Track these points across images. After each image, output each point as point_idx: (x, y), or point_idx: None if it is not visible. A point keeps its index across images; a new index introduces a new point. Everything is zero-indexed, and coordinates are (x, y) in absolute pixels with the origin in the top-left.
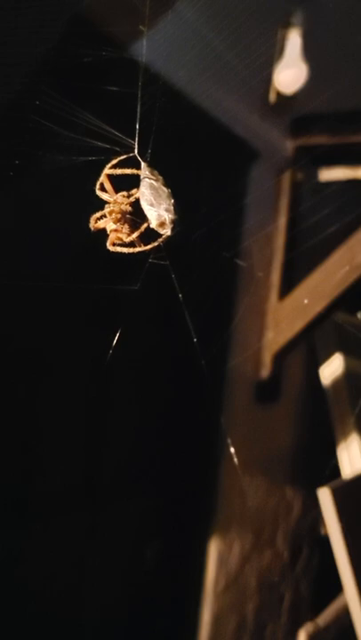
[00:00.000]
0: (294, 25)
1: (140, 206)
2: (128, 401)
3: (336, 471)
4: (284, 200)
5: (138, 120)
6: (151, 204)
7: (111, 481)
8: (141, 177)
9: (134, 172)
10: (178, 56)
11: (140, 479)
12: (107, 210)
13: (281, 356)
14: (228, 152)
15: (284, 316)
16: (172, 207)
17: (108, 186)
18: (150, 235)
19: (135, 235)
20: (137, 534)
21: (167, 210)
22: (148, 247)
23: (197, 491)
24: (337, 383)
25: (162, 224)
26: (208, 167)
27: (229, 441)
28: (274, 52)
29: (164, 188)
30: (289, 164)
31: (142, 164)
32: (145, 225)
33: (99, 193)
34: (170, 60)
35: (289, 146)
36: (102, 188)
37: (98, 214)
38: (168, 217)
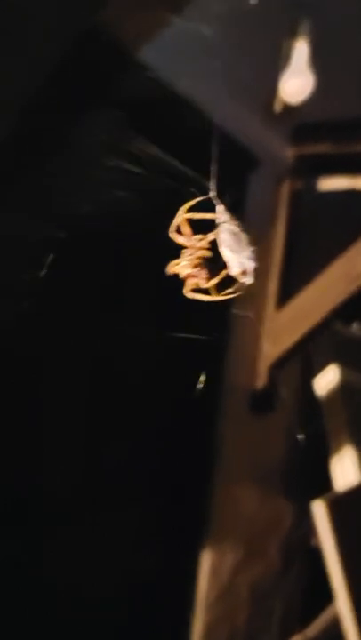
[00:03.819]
0: (302, 34)
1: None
2: (123, 410)
3: (329, 483)
4: (283, 209)
5: (214, 160)
6: (233, 251)
7: (104, 489)
8: (220, 222)
9: (213, 216)
10: (184, 62)
11: (134, 488)
12: (187, 255)
13: (277, 367)
14: (228, 159)
15: (281, 327)
16: (253, 255)
17: (186, 229)
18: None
19: (214, 281)
20: (130, 544)
21: (249, 258)
22: (228, 296)
23: (191, 500)
24: (332, 394)
25: (244, 272)
26: (207, 173)
27: (223, 450)
28: (280, 61)
29: (244, 235)
30: (289, 172)
31: (219, 207)
32: (225, 272)
33: (173, 236)
34: (176, 66)
35: (290, 154)
36: (178, 231)
37: (178, 260)
38: (250, 265)
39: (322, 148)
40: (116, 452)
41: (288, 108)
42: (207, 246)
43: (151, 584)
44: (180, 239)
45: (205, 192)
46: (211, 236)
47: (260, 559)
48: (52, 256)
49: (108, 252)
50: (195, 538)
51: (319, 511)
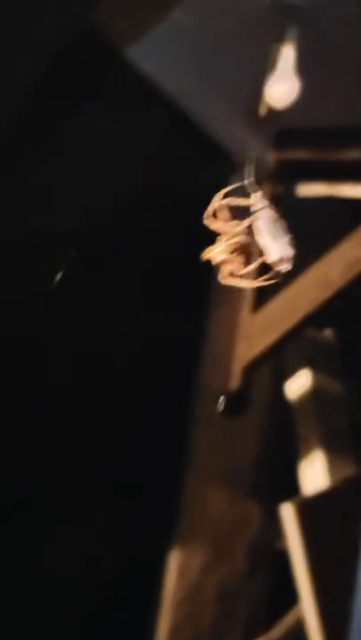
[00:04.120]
0: (289, 40)
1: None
2: (95, 408)
3: (297, 486)
4: None
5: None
6: (271, 238)
7: (73, 488)
8: (257, 208)
9: (250, 202)
10: (171, 62)
11: (104, 487)
12: (224, 240)
13: (250, 369)
14: (209, 160)
15: (256, 330)
16: (291, 242)
17: (224, 215)
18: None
19: (252, 267)
20: (98, 543)
21: (288, 244)
22: (265, 283)
23: (161, 500)
24: (303, 398)
25: (282, 259)
26: (188, 172)
27: (195, 451)
28: (267, 66)
29: (281, 221)
30: (269, 176)
31: (257, 193)
32: (262, 259)
33: (208, 222)
34: (163, 66)
35: (271, 159)
36: (213, 216)
37: (213, 246)
38: (289, 252)
39: (303, 154)
40: (85, 450)
41: (272, 113)
42: (245, 232)
43: (118, 583)
44: (215, 225)
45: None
46: (247, 222)
47: (227, 560)
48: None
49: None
50: (163, 538)
51: (288, 514)
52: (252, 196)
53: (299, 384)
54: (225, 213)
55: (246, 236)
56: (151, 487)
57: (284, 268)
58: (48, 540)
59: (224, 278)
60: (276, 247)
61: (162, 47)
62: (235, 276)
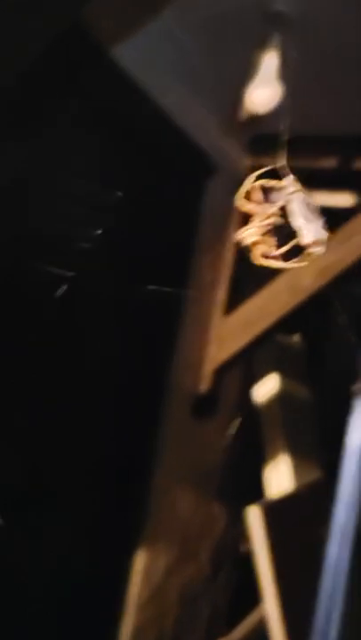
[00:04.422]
0: (271, 46)
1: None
2: (65, 409)
3: (262, 489)
4: (236, 217)
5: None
6: (307, 220)
7: (40, 488)
8: (292, 191)
9: (283, 185)
10: (155, 64)
11: (72, 487)
12: (257, 222)
13: (221, 372)
14: (187, 163)
15: (228, 333)
16: (324, 225)
17: (257, 196)
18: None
19: (285, 249)
20: (64, 543)
21: (321, 228)
22: (298, 265)
23: (128, 501)
24: (270, 402)
25: (316, 242)
26: (166, 175)
27: (164, 452)
28: (249, 71)
29: (315, 205)
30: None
31: (290, 177)
32: (296, 240)
33: (242, 203)
34: (148, 67)
35: (247, 164)
36: (247, 198)
37: (247, 226)
38: (324, 235)
39: (279, 160)
40: (53, 450)
41: (252, 118)
42: (279, 213)
43: (84, 584)
44: (248, 206)
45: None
46: (280, 204)
47: (191, 562)
48: None
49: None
50: (130, 539)
51: (253, 516)
52: (285, 179)
53: (266, 388)
54: (258, 195)
55: (279, 217)
56: (120, 488)
57: (318, 250)
58: (14, 540)
59: (257, 259)
60: (311, 229)
61: (148, 48)
62: (268, 257)
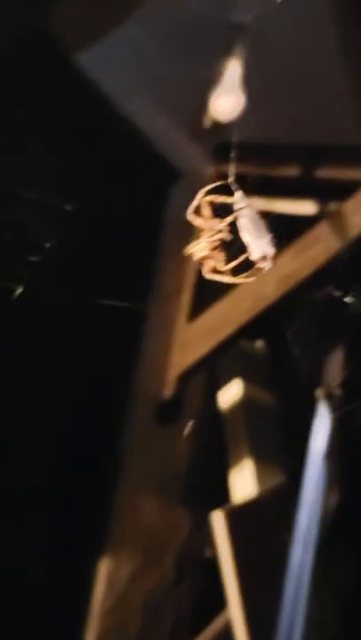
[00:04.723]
0: (235, 55)
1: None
2: (26, 413)
3: (227, 494)
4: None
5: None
6: (254, 236)
7: (2, 494)
8: (239, 207)
9: (232, 200)
10: (120, 70)
11: (35, 493)
12: (205, 237)
13: (185, 378)
14: (151, 169)
15: (192, 338)
16: (271, 241)
17: (206, 212)
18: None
19: (233, 264)
20: (27, 550)
21: (269, 243)
22: (246, 280)
23: (92, 507)
24: (234, 408)
25: (264, 257)
26: (129, 181)
27: (128, 458)
28: (213, 79)
29: (262, 221)
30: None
31: (238, 193)
32: (245, 256)
33: (191, 218)
34: (111, 74)
35: (211, 171)
36: (197, 213)
37: (197, 241)
38: (270, 251)
39: (242, 168)
40: (15, 455)
41: (216, 126)
42: (227, 229)
43: (47, 592)
44: (198, 221)
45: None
46: (229, 220)
47: (155, 568)
48: None
49: None
50: (94, 546)
51: (218, 521)
52: (235, 194)
53: (230, 394)
54: (207, 210)
55: (228, 233)
56: (83, 494)
57: (266, 265)
58: None
59: (207, 273)
60: (259, 245)
61: (111, 55)
62: (217, 271)
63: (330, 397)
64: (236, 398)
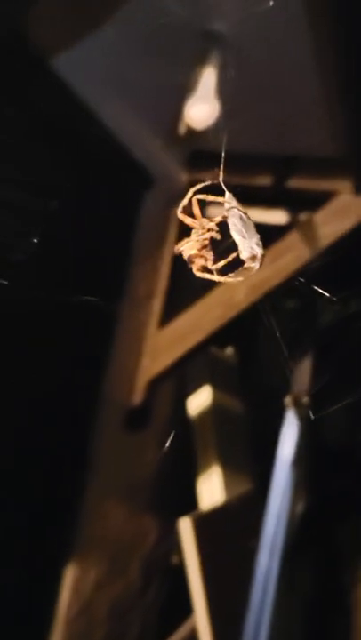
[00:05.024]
0: (210, 63)
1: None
2: None
3: (195, 501)
4: (172, 230)
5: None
6: (243, 236)
7: None
8: (229, 206)
9: (222, 200)
10: (96, 75)
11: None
12: (197, 235)
13: (155, 384)
14: (124, 174)
15: (162, 345)
16: (260, 242)
17: (196, 210)
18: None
19: (222, 264)
20: None
21: (258, 244)
22: (235, 279)
23: (59, 514)
24: (203, 415)
25: (253, 257)
26: (102, 186)
27: (96, 465)
28: (188, 86)
29: (251, 222)
30: (181, 196)
31: (228, 193)
32: (234, 255)
33: (182, 216)
34: (87, 78)
35: (184, 179)
36: (185, 212)
37: (187, 239)
38: (260, 251)
39: (215, 176)
40: None
41: (190, 134)
42: (216, 228)
43: (12, 597)
44: (188, 220)
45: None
46: (218, 219)
47: (121, 576)
48: None
49: None
50: (60, 552)
51: (185, 528)
52: (226, 194)
53: (199, 401)
54: (196, 209)
55: (217, 232)
56: (50, 500)
57: (254, 266)
58: None
59: (197, 271)
60: (247, 245)
61: (87, 59)
62: (205, 270)
63: (298, 405)
64: (204, 405)
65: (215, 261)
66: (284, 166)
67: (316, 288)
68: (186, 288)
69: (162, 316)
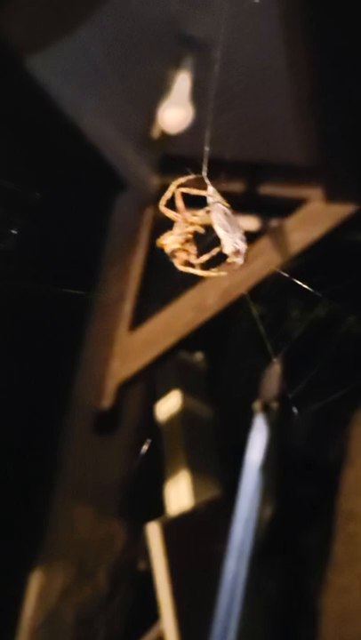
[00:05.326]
0: (184, 68)
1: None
2: None
3: (163, 506)
4: (144, 234)
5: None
6: (226, 231)
7: None
8: (212, 201)
9: (205, 194)
10: (69, 77)
11: None
12: (180, 229)
13: (124, 388)
14: (96, 177)
15: (133, 348)
16: (244, 237)
17: (180, 204)
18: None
19: (205, 258)
20: None
21: (241, 239)
22: (218, 274)
23: (25, 520)
24: (172, 420)
25: (237, 252)
26: (73, 188)
27: (64, 469)
28: (162, 91)
29: (235, 217)
30: (153, 200)
31: (211, 187)
32: (217, 249)
33: (164, 209)
34: (60, 79)
35: (156, 183)
36: (168, 205)
37: (169, 232)
38: (243, 246)
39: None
40: None
41: (164, 138)
42: (199, 222)
43: None
44: (170, 213)
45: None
46: (201, 213)
47: (88, 582)
48: None
49: None
50: (26, 559)
51: (153, 533)
52: (209, 188)
53: (168, 405)
54: (180, 203)
55: (200, 226)
56: (17, 505)
57: (238, 260)
58: None
59: (180, 265)
60: (231, 240)
61: (61, 60)
62: (188, 264)
63: (266, 410)
64: (173, 410)
65: (199, 255)
66: (256, 174)
67: (300, 283)
68: (156, 292)
69: (132, 320)
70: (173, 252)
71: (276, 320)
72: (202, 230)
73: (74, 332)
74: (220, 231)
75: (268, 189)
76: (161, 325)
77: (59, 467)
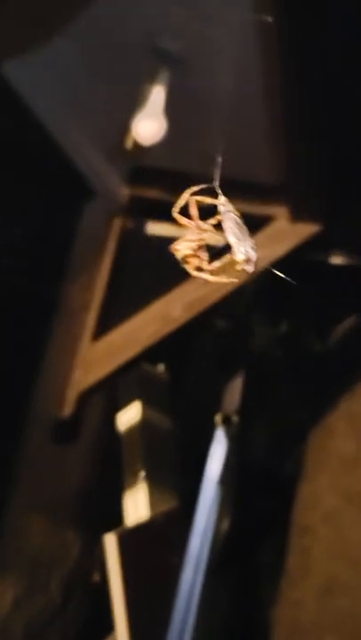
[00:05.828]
0: (160, 81)
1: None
2: None
3: (120, 517)
4: (111, 244)
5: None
6: (238, 239)
7: None
8: (224, 210)
9: (217, 202)
10: (41, 84)
11: None
12: (195, 236)
13: (85, 397)
14: (65, 185)
15: (95, 358)
16: (255, 246)
17: (194, 211)
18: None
19: (217, 264)
20: None
21: (252, 248)
22: (231, 281)
23: None
24: (132, 431)
25: (248, 260)
26: (41, 196)
27: (19, 476)
28: (136, 102)
29: (245, 227)
30: (122, 210)
31: (223, 197)
32: (229, 257)
33: (177, 216)
34: (33, 87)
35: (125, 193)
36: (181, 212)
37: (182, 239)
38: (254, 255)
39: (154, 192)
40: None
41: (136, 149)
42: (213, 230)
43: None
44: (183, 220)
45: None
46: (214, 220)
47: (41, 593)
48: None
49: None
50: None
51: (109, 544)
52: (221, 197)
53: (129, 416)
54: (193, 210)
55: (212, 234)
56: None
57: (249, 268)
58: None
59: (192, 271)
60: (241, 248)
61: (35, 68)
62: (200, 270)
63: (227, 423)
64: (134, 420)
65: (210, 262)
66: (227, 190)
67: (281, 275)
68: (121, 302)
69: (96, 329)
70: (185, 257)
71: (239, 334)
72: (216, 238)
73: (35, 340)
74: (231, 239)
75: (237, 206)
76: (125, 336)
77: (13, 475)
